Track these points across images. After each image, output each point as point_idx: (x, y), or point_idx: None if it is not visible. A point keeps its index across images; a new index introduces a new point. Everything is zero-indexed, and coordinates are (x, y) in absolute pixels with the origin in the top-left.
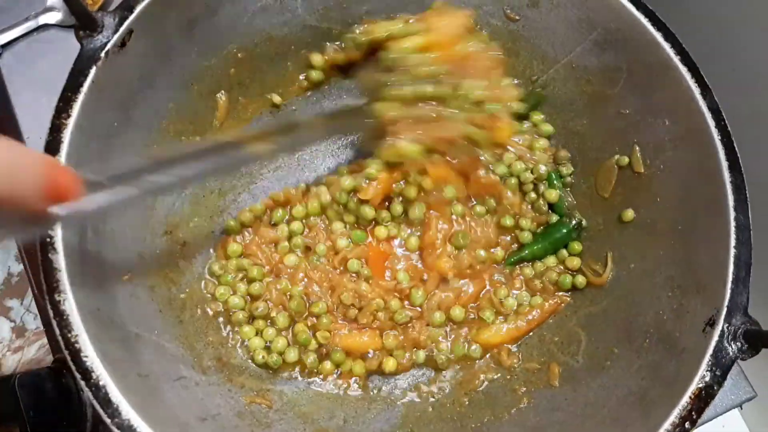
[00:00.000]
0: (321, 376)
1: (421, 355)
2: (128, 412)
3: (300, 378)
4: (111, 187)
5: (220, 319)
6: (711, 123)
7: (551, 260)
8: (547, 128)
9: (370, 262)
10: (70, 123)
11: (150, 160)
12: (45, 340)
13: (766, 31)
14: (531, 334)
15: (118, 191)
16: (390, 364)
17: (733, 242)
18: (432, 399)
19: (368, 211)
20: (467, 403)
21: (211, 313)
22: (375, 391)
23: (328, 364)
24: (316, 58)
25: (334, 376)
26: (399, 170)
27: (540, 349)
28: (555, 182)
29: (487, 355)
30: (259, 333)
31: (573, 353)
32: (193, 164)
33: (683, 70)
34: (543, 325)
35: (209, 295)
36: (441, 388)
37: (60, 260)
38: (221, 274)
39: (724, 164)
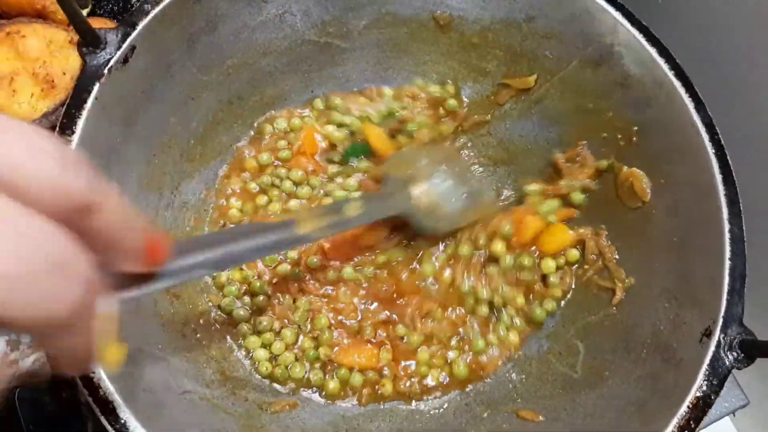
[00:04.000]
0: (325, 393)
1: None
2: (136, 428)
3: (303, 391)
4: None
5: (224, 332)
6: (705, 137)
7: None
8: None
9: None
10: (74, 140)
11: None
12: (39, 353)
13: (760, 44)
14: (529, 345)
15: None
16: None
17: (727, 254)
18: (434, 411)
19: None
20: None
21: (213, 326)
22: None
23: (332, 383)
24: None
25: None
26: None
27: (538, 359)
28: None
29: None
30: (266, 346)
31: (572, 364)
32: (243, 242)
33: (677, 84)
34: (541, 337)
35: (212, 308)
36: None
37: None
38: (225, 284)
39: (718, 177)
